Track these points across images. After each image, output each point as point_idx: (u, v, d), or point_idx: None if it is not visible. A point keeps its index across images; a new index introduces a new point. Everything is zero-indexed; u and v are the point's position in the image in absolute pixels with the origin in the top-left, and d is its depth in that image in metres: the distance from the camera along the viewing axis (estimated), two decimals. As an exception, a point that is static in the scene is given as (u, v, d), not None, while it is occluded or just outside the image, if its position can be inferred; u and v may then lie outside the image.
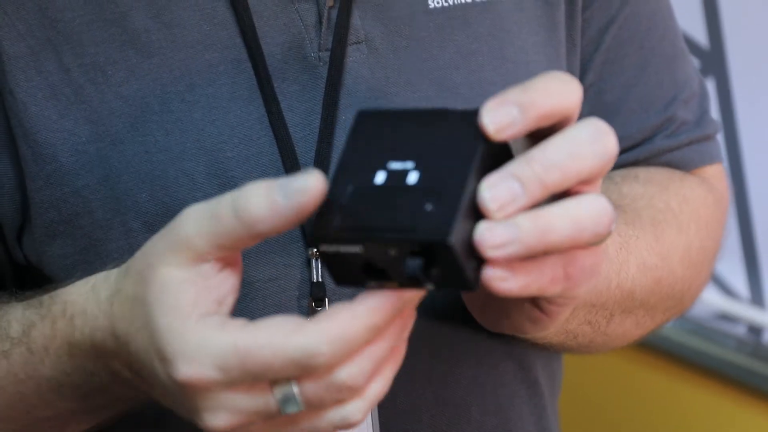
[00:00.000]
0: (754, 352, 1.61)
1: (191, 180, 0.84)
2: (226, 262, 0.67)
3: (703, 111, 1.03)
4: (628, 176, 0.98)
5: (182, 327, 0.66)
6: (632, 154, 1.00)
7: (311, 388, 0.65)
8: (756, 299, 1.60)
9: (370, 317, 0.64)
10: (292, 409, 0.65)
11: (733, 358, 1.62)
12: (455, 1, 0.90)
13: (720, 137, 1.51)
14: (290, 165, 0.85)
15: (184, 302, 0.66)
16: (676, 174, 1.00)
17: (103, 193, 0.84)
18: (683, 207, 0.98)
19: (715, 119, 1.05)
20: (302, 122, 0.86)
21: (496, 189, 0.63)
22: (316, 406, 0.65)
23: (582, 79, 0.97)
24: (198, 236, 0.66)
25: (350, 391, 0.65)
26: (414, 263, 0.62)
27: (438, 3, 0.89)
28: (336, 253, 0.64)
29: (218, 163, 0.84)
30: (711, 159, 1.03)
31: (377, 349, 0.65)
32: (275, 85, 0.85)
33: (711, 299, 1.64)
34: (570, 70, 0.96)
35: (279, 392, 0.65)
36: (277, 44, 0.85)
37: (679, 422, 1.71)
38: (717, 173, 1.05)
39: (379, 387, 0.67)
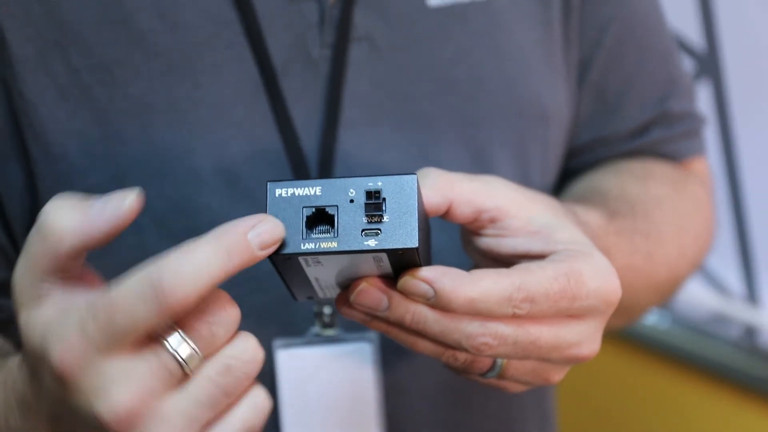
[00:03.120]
0: (750, 352, 1.61)
1: (198, 177, 0.85)
2: (70, 283, 0.65)
3: (694, 104, 1.06)
4: (647, 173, 1.00)
5: (41, 316, 0.63)
6: (630, 145, 1.03)
7: (192, 324, 0.63)
8: (751, 297, 1.60)
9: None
10: (186, 352, 0.62)
11: (729, 358, 1.62)
12: (453, 0, 0.91)
13: (716, 137, 1.53)
14: (296, 161, 0.86)
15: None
16: (681, 172, 1.03)
17: (112, 191, 0.84)
18: (696, 210, 1.01)
19: (702, 113, 1.08)
20: (306, 119, 0.87)
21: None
22: (209, 342, 0.63)
23: (584, 76, 1.00)
24: (22, 279, 0.64)
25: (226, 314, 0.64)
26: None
27: (437, 2, 0.91)
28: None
29: (225, 159, 0.85)
30: (700, 151, 1.07)
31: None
32: (279, 82, 0.86)
33: (707, 300, 1.65)
34: (566, 67, 0.97)
35: (168, 341, 0.62)
36: (281, 43, 0.86)
37: (674, 422, 1.71)
38: (704, 166, 1.09)
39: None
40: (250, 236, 0.62)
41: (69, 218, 0.63)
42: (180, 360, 0.62)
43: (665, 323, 1.68)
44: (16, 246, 0.88)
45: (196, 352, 0.62)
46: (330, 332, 0.87)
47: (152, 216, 0.85)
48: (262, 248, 0.62)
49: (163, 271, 0.60)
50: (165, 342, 0.62)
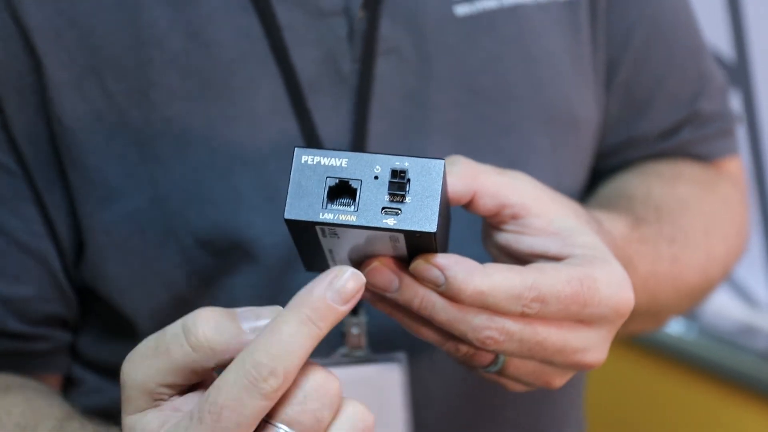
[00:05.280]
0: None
1: (238, 194, 0.84)
2: (194, 385, 0.64)
3: (726, 103, 1.05)
4: (676, 174, 1.00)
5: None
6: (660, 146, 1.02)
7: (296, 417, 0.61)
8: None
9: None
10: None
11: (757, 370, 1.61)
12: (481, 8, 0.91)
13: (745, 146, 1.52)
14: None
15: None
16: (711, 173, 1.02)
17: (153, 213, 0.84)
18: (725, 211, 1.01)
19: (735, 112, 1.06)
20: (337, 134, 0.87)
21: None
22: (316, 428, 0.61)
23: (612, 77, 0.99)
24: (146, 379, 0.62)
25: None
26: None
27: (464, 10, 0.90)
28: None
29: (263, 176, 0.85)
30: (733, 151, 1.06)
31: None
32: (311, 98, 0.86)
33: (734, 310, 1.64)
34: (594, 69, 0.97)
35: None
36: (311, 58, 0.86)
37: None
38: (738, 166, 1.08)
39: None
40: (329, 296, 0.60)
41: (224, 334, 0.61)
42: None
43: (692, 334, 1.68)
44: (68, 273, 0.88)
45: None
46: (358, 353, 0.86)
47: (195, 236, 0.85)
48: (345, 302, 0.61)
49: (255, 355, 0.59)
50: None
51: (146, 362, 0.62)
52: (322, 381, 0.61)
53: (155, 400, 0.62)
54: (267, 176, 0.85)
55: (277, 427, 0.60)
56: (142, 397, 0.62)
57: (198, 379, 0.62)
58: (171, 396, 0.62)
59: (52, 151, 0.84)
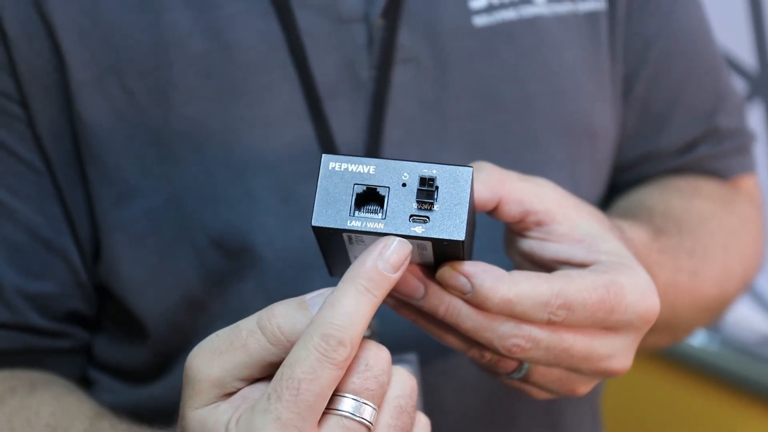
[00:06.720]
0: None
1: (253, 197, 0.85)
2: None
3: (743, 120, 1.05)
4: (694, 191, 1.00)
5: None
6: (677, 161, 1.02)
7: (363, 385, 0.63)
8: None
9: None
10: (368, 413, 0.63)
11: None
12: (500, 19, 0.91)
13: (767, 158, 1.51)
14: None
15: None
16: (729, 190, 1.02)
17: (168, 213, 0.85)
18: (743, 228, 1.00)
19: (752, 129, 1.06)
20: (353, 140, 0.87)
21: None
22: (380, 394, 0.64)
23: (629, 91, 0.99)
24: (223, 374, 0.64)
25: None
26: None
27: (483, 21, 0.91)
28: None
29: (279, 179, 0.85)
30: (750, 168, 1.05)
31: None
32: (328, 104, 0.86)
33: (756, 322, 1.63)
34: (613, 83, 0.97)
35: (352, 412, 0.63)
36: (329, 64, 0.87)
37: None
38: (754, 183, 1.07)
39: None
40: (381, 266, 0.63)
41: (299, 325, 0.63)
42: (367, 422, 0.63)
43: (714, 345, 1.67)
44: (89, 271, 0.89)
45: (374, 408, 0.63)
46: None
47: (209, 236, 0.85)
48: (396, 270, 0.63)
49: (322, 329, 0.61)
50: (348, 414, 0.63)
51: (221, 357, 0.64)
52: (376, 349, 0.64)
53: (226, 393, 0.64)
54: (281, 179, 0.85)
55: (346, 397, 0.62)
56: (213, 390, 0.64)
57: (273, 370, 0.64)
58: (241, 388, 0.64)
59: (73, 149, 0.86)
